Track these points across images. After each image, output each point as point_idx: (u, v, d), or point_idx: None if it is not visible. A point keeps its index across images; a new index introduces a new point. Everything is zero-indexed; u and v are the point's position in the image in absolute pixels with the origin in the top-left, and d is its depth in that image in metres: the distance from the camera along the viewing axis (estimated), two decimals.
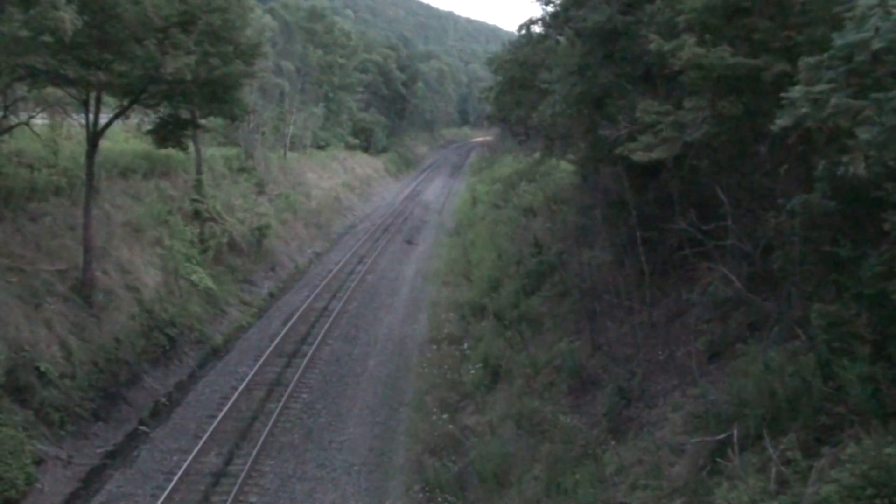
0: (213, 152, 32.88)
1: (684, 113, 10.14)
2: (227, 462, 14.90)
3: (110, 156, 23.21)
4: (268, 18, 46.04)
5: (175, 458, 14.92)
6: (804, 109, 7.04)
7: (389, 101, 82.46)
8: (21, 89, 17.74)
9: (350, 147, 61.29)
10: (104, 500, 13.43)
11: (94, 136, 18.68)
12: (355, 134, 65.21)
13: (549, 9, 20.81)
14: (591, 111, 15.08)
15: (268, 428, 16.15)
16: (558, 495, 11.09)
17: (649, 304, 13.32)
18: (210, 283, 24.13)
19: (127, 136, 27.19)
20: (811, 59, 7.35)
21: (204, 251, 25.61)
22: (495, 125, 59.82)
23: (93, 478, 14.16)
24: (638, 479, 9.67)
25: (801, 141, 8.31)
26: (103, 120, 18.97)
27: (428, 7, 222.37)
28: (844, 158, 6.82)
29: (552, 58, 18.55)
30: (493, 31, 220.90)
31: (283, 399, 17.79)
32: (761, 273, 10.28)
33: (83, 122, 19.07)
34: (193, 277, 23.49)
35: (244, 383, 18.66)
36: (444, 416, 16.77)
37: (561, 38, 19.37)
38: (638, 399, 11.96)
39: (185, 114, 20.59)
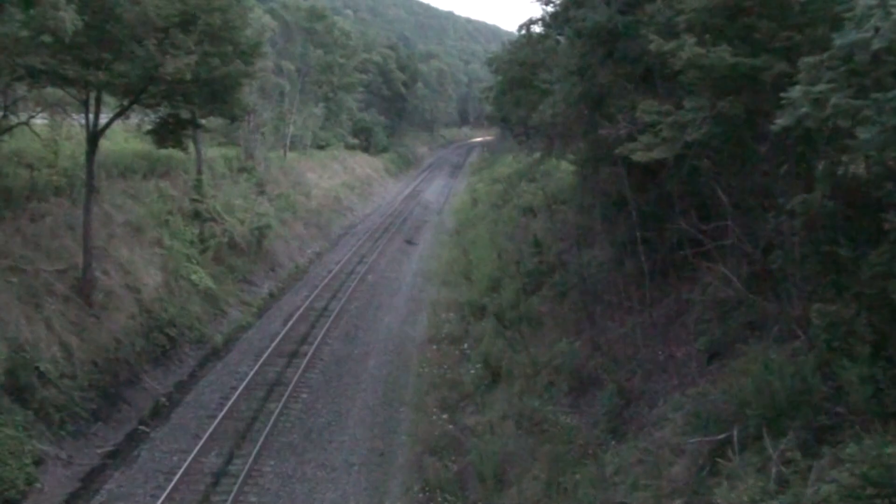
0: (213, 152, 32.87)
1: (684, 113, 10.13)
2: (228, 462, 14.90)
3: (110, 156, 23.20)
4: (268, 18, 45.94)
5: (175, 458, 14.91)
6: (804, 109, 7.04)
7: (389, 101, 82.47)
8: (21, 89, 17.72)
9: (350, 147, 61.28)
10: (104, 500, 13.43)
11: (94, 136, 18.67)
12: (355, 134, 65.22)
13: (549, 9, 20.78)
14: (591, 111, 15.07)
15: (268, 428, 16.14)
16: (558, 495, 11.10)
17: (649, 304, 13.32)
18: (210, 283, 24.13)
19: (127, 136, 27.17)
20: (811, 59, 7.35)
21: (204, 251, 25.60)
22: (495, 125, 59.83)
23: (93, 478, 14.16)
24: (638, 479, 9.68)
25: (801, 141, 8.31)
26: (103, 120, 18.97)
27: (428, 7, 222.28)
28: (844, 158, 6.83)
29: (552, 58, 18.56)
30: (493, 31, 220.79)
31: (283, 399, 17.78)
32: (761, 273, 10.28)
33: (83, 122, 19.06)
34: (193, 277, 23.49)
35: (244, 383, 18.66)
36: (444, 416, 16.78)
37: (561, 38, 19.38)
38: (638, 399, 11.97)
39: (185, 114, 20.58)
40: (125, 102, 19.19)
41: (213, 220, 27.13)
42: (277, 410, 17.08)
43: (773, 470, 7.25)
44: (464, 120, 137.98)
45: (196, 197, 27.11)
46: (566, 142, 20.40)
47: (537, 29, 23.61)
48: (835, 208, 7.86)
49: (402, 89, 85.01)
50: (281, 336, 22.56)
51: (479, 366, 18.95)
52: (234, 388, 18.45)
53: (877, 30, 6.51)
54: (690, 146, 10.44)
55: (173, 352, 20.11)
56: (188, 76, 16.60)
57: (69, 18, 13.15)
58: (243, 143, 37.31)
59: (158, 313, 20.31)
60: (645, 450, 10.14)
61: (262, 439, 15.56)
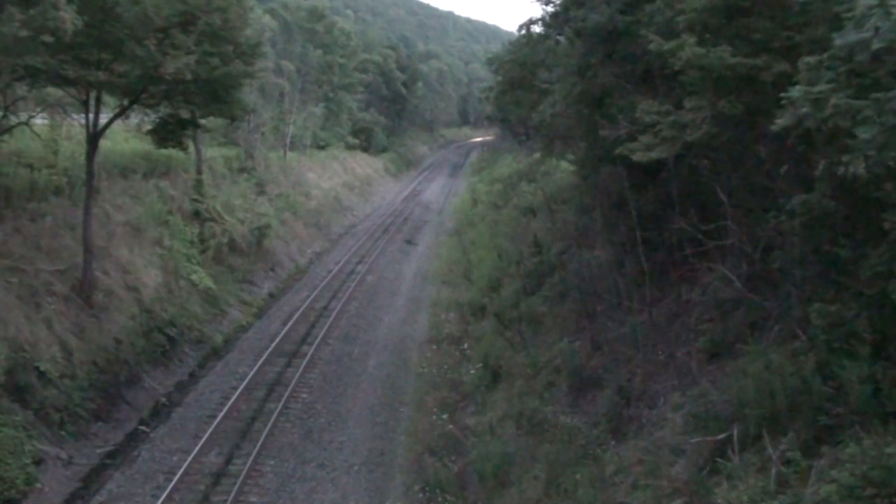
0: (213, 152, 32.86)
1: (684, 113, 10.12)
2: (228, 462, 14.90)
3: (110, 156, 23.18)
4: (268, 18, 46.01)
5: (175, 458, 14.91)
6: (804, 109, 7.03)
7: (389, 101, 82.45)
8: (21, 89, 17.71)
9: (350, 147, 61.29)
10: (104, 500, 13.43)
11: (94, 136, 18.66)
12: (355, 134, 65.20)
13: (549, 9, 20.75)
14: (591, 111, 15.06)
15: (268, 428, 16.14)
16: (558, 495, 11.09)
17: (649, 304, 13.31)
18: (210, 283, 24.13)
19: (127, 136, 27.17)
20: (811, 59, 7.34)
21: (204, 251, 25.61)
22: (495, 125, 59.88)
23: (93, 478, 14.15)
24: (638, 479, 9.67)
25: (801, 141, 8.30)
26: (103, 120, 18.96)
27: (428, 7, 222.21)
28: (844, 158, 6.81)
29: (552, 58, 18.55)
30: (493, 31, 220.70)
31: (283, 399, 17.78)
32: (761, 273, 10.28)
33: (83, 122, 19.06)
34: (193, 277, 23.49)
35: (244, 383, 18.65)
36: (444, 416, 16.78)
37: (561, 38, 19.36)
38: (638, 399, 11.96)
39: (185, 114, 20.58)
40: (125, 102, 19.19)
41: (213, 220, 27.13)
42: (277, 410, 17.08)
43: (773, 470, 7.25)
44: (464, 120, 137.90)
45: (196, 197, 27.10)
46: (566, 142, 20.40)
47: (537, 29, 23.58)
48: (835, 208, 7.85)
49: (402, 89, 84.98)
50: (281, 336, 22.55)
51: (479, 366, 18.95)
52: (234, 388, 18.44)
53: (877, 30, 6.50)
54: (690, 146, 10.44)
55: (173, 352, 20.11)
56: (188, 76, 16.59)
57: (69, 18, 13.12)
58: (243, 143, 37.31)
59: (158, 313, 20.31)
60: (645, 450, 10.14)
61: (262, 439, 15.56)
